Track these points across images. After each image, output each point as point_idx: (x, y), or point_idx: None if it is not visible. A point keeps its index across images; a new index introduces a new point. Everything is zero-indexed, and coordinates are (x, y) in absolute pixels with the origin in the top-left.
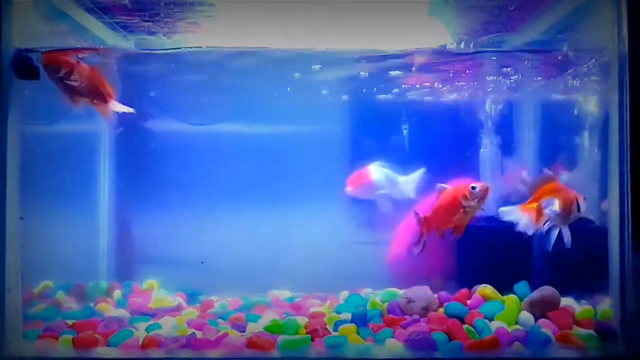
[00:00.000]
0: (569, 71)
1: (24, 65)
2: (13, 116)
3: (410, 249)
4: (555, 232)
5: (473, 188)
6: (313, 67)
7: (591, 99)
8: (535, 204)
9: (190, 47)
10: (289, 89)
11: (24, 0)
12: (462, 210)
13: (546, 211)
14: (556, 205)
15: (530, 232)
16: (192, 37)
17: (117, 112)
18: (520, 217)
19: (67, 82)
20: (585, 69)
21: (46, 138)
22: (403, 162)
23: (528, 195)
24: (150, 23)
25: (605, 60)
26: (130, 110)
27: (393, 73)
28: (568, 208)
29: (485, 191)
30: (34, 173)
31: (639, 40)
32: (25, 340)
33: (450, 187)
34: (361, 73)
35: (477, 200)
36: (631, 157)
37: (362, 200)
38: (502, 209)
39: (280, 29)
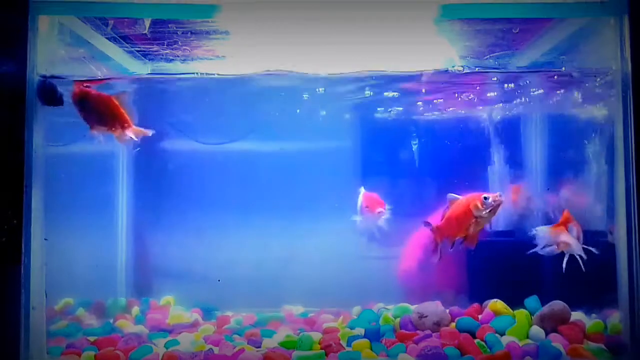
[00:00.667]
0: (574, 90)
1: (49, 92)
2: (37, 139)
3: (429, 259)
4: (567, 257)
5: (485, 198)
6: (320, 89)
7: (596, 117)
8: (563, 227)
9: (205, 73)
10: (297, 110)
11: (49, 29)
12: (473, 220)
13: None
14: (575, 232)
15: (582, 253)
16: (208, 62)
17: (136, 137)
18: (566, 239)
19: (86, 111)
20: (590, 87)
21: (67, 159)
22: (412, 177)
23: (532, 212)
24: (168, 50)
25: (609, 80)
26: (148, 133)
27: (401, 92)
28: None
29: (497, 202)
30: (55, 193)
31: None
32: (49, 356)
33: (462, 197)
34: (367, 92)
35: (488, 210)
36: (637, 173)
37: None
38: (539, 228)
39: (289, 54)
